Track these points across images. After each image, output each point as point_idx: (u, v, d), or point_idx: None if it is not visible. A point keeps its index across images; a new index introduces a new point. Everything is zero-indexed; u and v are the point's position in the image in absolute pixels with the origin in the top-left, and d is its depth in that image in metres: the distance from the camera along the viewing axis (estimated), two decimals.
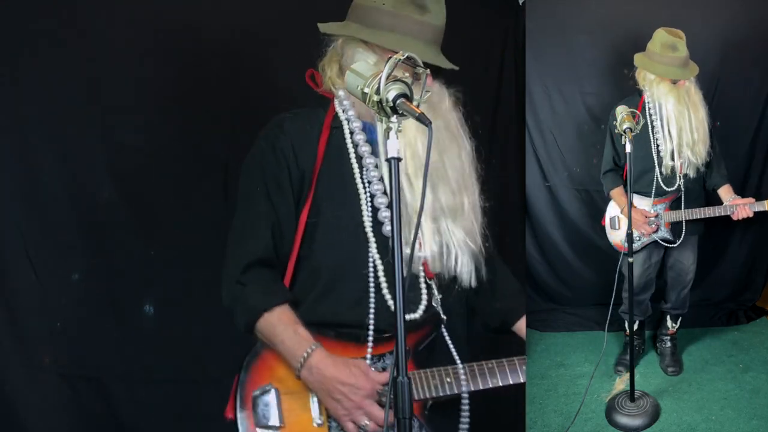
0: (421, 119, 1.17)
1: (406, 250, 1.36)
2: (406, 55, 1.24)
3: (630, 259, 2.67)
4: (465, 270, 1.64)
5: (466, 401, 1.61)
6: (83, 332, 2.40)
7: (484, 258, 1.69)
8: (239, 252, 1.61)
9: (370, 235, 1.58)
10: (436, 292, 1.64)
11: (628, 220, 2.66)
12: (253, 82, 2.51)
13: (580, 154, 3.61)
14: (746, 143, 3.50)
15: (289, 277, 1.62)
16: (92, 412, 2.41)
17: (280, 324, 1.55)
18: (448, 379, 1.57)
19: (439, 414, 1.62)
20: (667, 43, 2.86)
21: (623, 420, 2.69)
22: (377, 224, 1.59)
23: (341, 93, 1.65)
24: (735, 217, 2.90)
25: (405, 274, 1.17)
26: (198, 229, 2.42)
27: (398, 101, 1.19)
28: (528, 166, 3.52)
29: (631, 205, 2.69)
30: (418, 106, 1.20)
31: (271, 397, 1.55)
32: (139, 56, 2.44)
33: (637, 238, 2.98)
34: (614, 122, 2.73)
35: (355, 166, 1.61)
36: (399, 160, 1.19)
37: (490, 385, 1.61)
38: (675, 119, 2.87)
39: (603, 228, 3.21)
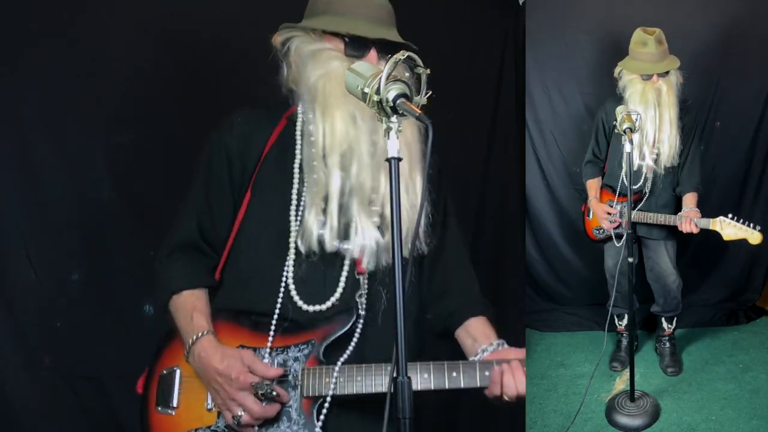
0: (421, 119, 1.17)
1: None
2: (406, 55, 1.24)
3: (630, 259, 2.67)
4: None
5: (326, 404, 1.53)
6: (83, 332, 2.40)
7: (422, 256, 1.68)
8: (171, 233, 1.71)
9: (293, 228, 1.58)
10: (361, 287, 1.60)
11: (628, 219, 2.67)
12: (254, 82, 2.51)
13: (580, 154, 3.60)
14: (746, 143, 3.50)
15: (220, 268, 1.67)
16: (92, 412, 2.41)
17: (182, 308, 1.60)
18: (327, 379, 1.52)
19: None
20: (638, 41, 2.89)
21: (623, 420, 2.69)
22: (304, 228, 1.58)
23: (296, 80, 1.64)
24: (680, 229, 2.83)
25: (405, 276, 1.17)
26: None
27: (398, 101, 1.19)
28: (528, 166, 3.52)
29: (631, 205, 2.69)
30: (418, 106, 1.20)
31: (174, 379, 1.59)
32: (139, 56, 2.44)
33: (601, 231, 3.05)
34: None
35: (298, 156, 1.62)
36: (399, 160, 1.19)
37: (361, 391, 1.52)
38: (646, 117, 2.85)
39: (581, 213, 3.25)
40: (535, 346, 3.41)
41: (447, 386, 1.50)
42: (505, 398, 1.49)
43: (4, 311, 2.31)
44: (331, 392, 1.52)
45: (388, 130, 1.20)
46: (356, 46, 1.60)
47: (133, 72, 2.43)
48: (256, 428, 1.51)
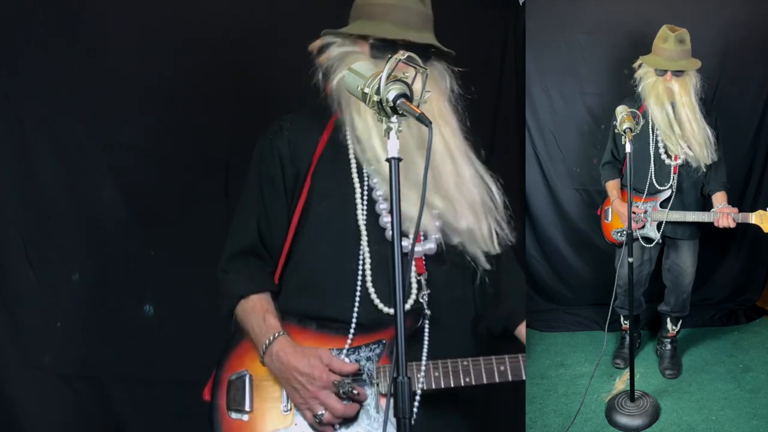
0: (422, 119, 1.17)
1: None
2: (406, 55, 1.24)
3: (630, 259, 2.67)
4: (462, 266, 1.66)
5: (417, 399, 1.56)
6: (83, 332, 2.39)
7: (488, 257, 1.69)
8: (228, 243, 1.71)
9: (363, 231, 1.60)
10: (425, 287, 1.63)
11: (628, 219, 2.66)
12: (254, 82, 2.51)
13: (580, 154, 3.61)
14: (746, 143, 3.50)
15: (279, 270, 1.68)
16: (92, 412, 2.41)
17: (253, 312, 1.61)
18: (431, 373, 1.55)
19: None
20: (661, 36, 2.91)
21: (623, 420, 2.69)
22: (372, 221, 1.61)
23: (335, 87, 1.65)
24: (716, 224, 2.84)
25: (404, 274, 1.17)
26: (198, 229, 2.42)
27: (398, 101, 1.19)
28: (528, 166, 3.52)
29: (631, 205, 2.69)
30: (418, 106, 1.20)
31: (244, 383, 1.59)
32: (140, 56, 2.43)
33: (623, 233, 3.01)
34: (614, 122, 2.73)
35: (353, 163, 1.64)
36: (399, 160, 1.19)
37: (462, 384, 1.56)
38: (652, 116, 2.88)
39: (598, 217, 3.23)
40: (535, 346, 3.41)
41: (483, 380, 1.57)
42: None
43: (4, 311, 2.30)
44: (420, 388, 1.54)
45: (388, 130, 1.20)
46: (380, 48, 1.62)
47: (134, 72, 2.42)
48: (337, 427, 1.52)
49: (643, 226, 2.99)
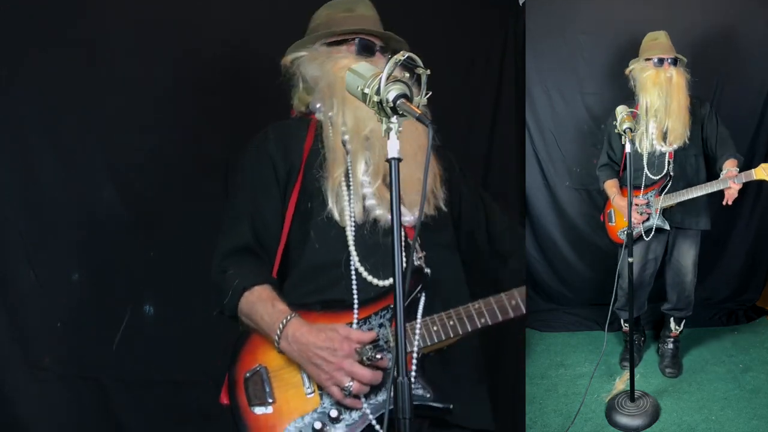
0: (422, 119, 1.17)
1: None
2: (406, 55, 1.24)
3: (630, 259, 2.67)
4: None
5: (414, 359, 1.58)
6: (83, 332, 2.40)
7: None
8: (222, 243, 1.72)
9: (348, 215, 1.64)
10: (419, 249, 1.67)
11: (628, 220, 2.66)
12: (254, 82, 2.51)
13: (580, 154, 3.61)
14: (746, 143, 3.50)
15: (276, 266, 1.69)
16: (91, 412, 2.41)
17: (259, 301, 1.60)
18: (434, 328, 1.58)
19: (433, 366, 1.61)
20: (649, 38, 3.01)
21: (623, 420, 2.70)
22: (359, 207, 1.66)
23: (317, 105, 1.77)
24: (727, 197, 2.82)
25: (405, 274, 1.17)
26: (198, 229, 2.41)
27: (398, 101, 1.19)
28: (528, 166, 3.53)
29: (631, 205, 2.70)
30: (418, 107, 1.20)
31: (260, 377, 1.58)
32: (140, 56, 2.43)
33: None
34: (614, 122, 2.73)
35: (335, 139, 1.69)
36: (399, 160, 1.19)
37: (479, 326, 1.60)
38: (650, 101, 2.91)
39: (602, 224, 3.23)
40: (535, 346, 3.42)
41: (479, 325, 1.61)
42: None
43: (4, 311, 2.31)
44: (415, 346, 1.56)
45: (388, 130, 1.20)
46: (362, 47, 1.74)
47: (134, 72, 2.42)
48: (363, 398, 1.52)
49: (648, 218, 2.99)
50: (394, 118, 1.20)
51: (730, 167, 2.86)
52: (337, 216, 1.65)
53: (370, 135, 1.66)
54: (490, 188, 3.02)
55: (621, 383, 2.94)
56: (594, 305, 3.60)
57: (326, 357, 1.50)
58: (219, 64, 2.51)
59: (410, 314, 1.60)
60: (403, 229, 1.64)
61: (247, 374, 1.59)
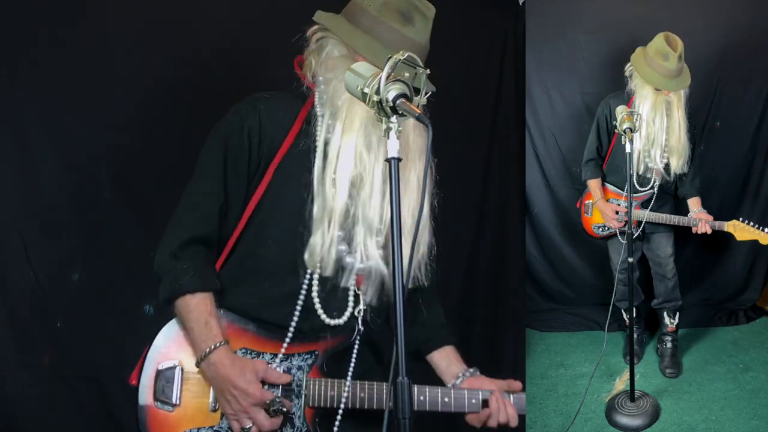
0: (421, 119, 1.17)
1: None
2: (406, 55, 1.24)
3: (630, 259, 2.68)
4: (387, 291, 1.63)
5: (338, 417, 1.58)
6: (83, 332, 2.39)
7: (416, 286, 1.69)
8: (182, 224, 1.60)
9: (306, 237, 1.55)
10: (361, 303, 1.61)
11: (628, 220, 2.67)
12: (254, 81, 2.51)
13: (580, 154, 3.60)
14: (746, 143, 3.50)
15: (221, 261, 1.63)
16: (91, 413, 2.41)
17: (196, 311, 1.54)
18: (333, 392, 1.57)
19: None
20: (660, 51, 2.86)
21: (623, 420, 2.70)
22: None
23: (322, 86, 1.61)
24: (694, 231, 2.96)
25: (406, 281, 1.17)
26: None
27: (398, 101, 1.19)
28: (528, 166, 3.52)
29: (631, 205, 2.70)
30: (417, 106, 1.20)
31: (174, 375, 1.58)
32: (140, 57, 2.43)
33: (604, 228, 3.12)
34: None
35: (319, 164, 1.56)
36: (399, 160, 1.19)
37: (366, 407, 1.57)
38: (646, 123, 2.88)
39: (578, 210, 3.28)
40: (535, 346, 3.41)
41: (440, 410, 1.60)
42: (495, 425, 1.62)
43: (4, 311, 2.31)
44: (342, 405, 1.56)
45: (387, 130, 1.20)
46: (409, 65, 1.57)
47: (133, 72, 2.42)
48: None
49: (625, 224, 3.01)
50: (393, 118, 1.20)
51: (698, 207, 3.03)
52: (300, 232, 1.54)
53: (357, 180, 1.54)
54: (490, 188, 3.03)
55: (621, 383, 2.94)
56: (594, 305, 3.60)
57: (237, 397, 1.50)
58: (219, 64, 2.51)
59: (337, 369, 1.60)
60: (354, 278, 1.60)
61: (162, 366, 1.59)
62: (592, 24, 3.53)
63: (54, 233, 2.38)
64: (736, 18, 3.41)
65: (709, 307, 3.61)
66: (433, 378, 1.74)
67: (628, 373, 2.75)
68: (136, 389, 1.60)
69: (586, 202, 3.24)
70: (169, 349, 1.61)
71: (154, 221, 2.44)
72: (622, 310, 3.22)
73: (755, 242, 3.27)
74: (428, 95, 1.26)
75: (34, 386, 2.32)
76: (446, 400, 1.60)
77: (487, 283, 2.98)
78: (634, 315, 3.09)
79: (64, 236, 2.39)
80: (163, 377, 1.58)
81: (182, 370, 1.58)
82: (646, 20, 3.23)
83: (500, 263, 2.99)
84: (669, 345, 3.15)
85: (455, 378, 1.70)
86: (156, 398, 1.57)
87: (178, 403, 1.56)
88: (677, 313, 3.18)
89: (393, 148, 1.19)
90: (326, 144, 1.56)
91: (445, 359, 1.76)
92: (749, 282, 3.68)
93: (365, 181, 1.54)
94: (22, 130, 2.33)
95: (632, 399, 2.73)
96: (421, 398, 1.58)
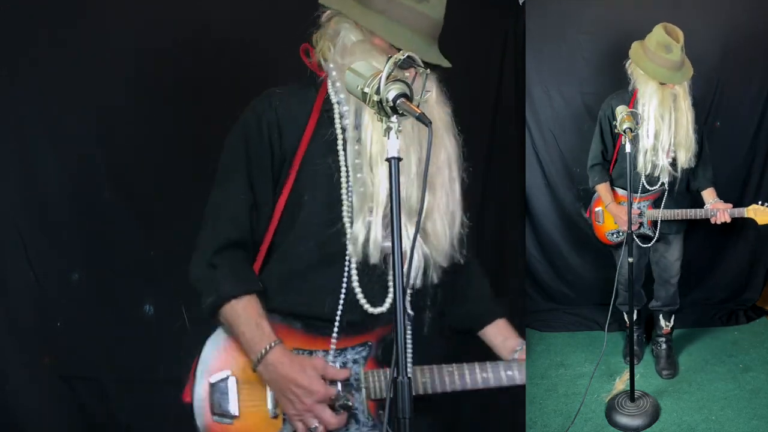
0: (422, 119, 1.17)
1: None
2: (406, 55, 1.23)
3: (630, 259, 2.68)
4: (431, 270, 1.61)
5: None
6: (83, 332, 2.39)
7: (455, 263, 1.66)
8: (214, 231, 1.57)
9: (348, 227, 1.53)
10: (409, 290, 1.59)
11: (629, 220, 2.66)
12: (254, 82, 2.50)
13: (580, 154, 3.59)
14: (746, 143, 3.50)
15: (260, 263, 1.59)
16: (91, 412, 2.41)
17: (245, 314, 1.52)
18: (423, 379, 1.53)
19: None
20: (662, 43, 2.80)
21: (623, 420, 2.69)
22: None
23: (334, 73, 1.58)
24: (713, 221, 2.88)
25: (406, 274, 1.17)
26: (198, 229, 2.41)
27: (398, 101, 1.19)
28: (528, 166, 3.52)
29: (630, 206, 2.69)
30: (418, 106, 1.19)
31: (229, 386, 1.54)
32: (140, 57, 2.43)
33: (618, 234, 3.06)
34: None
35: (341, 155, 1.54)
36: (399, 159, 1.19)
37: (429, 391, 1.54)
38: (654, 121, 2.83)
39: (588, 220, 3.24)
40: (535, 346, 3.41)
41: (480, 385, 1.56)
42: None
43: (4, 311, 2.31)
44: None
45: (387, 130, 1.20)
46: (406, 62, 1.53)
47: (133, 72, 2.42)
48: None
49: (640, 227, 3.00)
50: (394, 118, 1.20)
51: (713, 197, 2.95)
52: (342, 219, 1.52)
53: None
54: (490, 188, 3.03)
55: (621, 383, 2.94)
56: (594, 305, 3.60)
57: (301, 396, 1.47)
58: (219, 63, 2.51)
59: (387, 355, 1.58)
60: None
61: (214, 379, 1.55)
62: (592, 24, 3.52)
63: (54, 233, 2.38)
64: (736, 18, 3.40)
65: (709, 307, 3.61)
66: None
67: (628, 373, 2.75)
68: (190, 406, 1.56)
69: (596, 209, 3.16)
70: (218, 360, 1.57)
71: (154, 221, 2.48)
72: (624, 313, 3.21)
73: (755, 242, 3.29)
74: (429, 94, 1.26)
75: (34, 386, 2.32)
76: (485, 375, 1.56)
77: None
78: (634, 318, 3.10)
79: (64, 236, 2.40)
80: (217, 390, 1.54)
81: (236, 379, 1.55)
82: (646, 20, 3.22)
83: (500, 263, 2.99)
84: (663, 347, 3.15)
85: (513, 352, 1.67)
86: (213, 412, 1.53)
87: (236, 414, 1.52)
88: (672, 316, 3.18)
89: (393, 148, 1.19)
90: (349, 130, 1.53)
91: (501, 334, 1.72)
92: (749, 282, 3.68)
93: (402, 164, 1.52)
94: (22, 130, 2.34)
95: (632, 399, 2.73)
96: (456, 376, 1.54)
